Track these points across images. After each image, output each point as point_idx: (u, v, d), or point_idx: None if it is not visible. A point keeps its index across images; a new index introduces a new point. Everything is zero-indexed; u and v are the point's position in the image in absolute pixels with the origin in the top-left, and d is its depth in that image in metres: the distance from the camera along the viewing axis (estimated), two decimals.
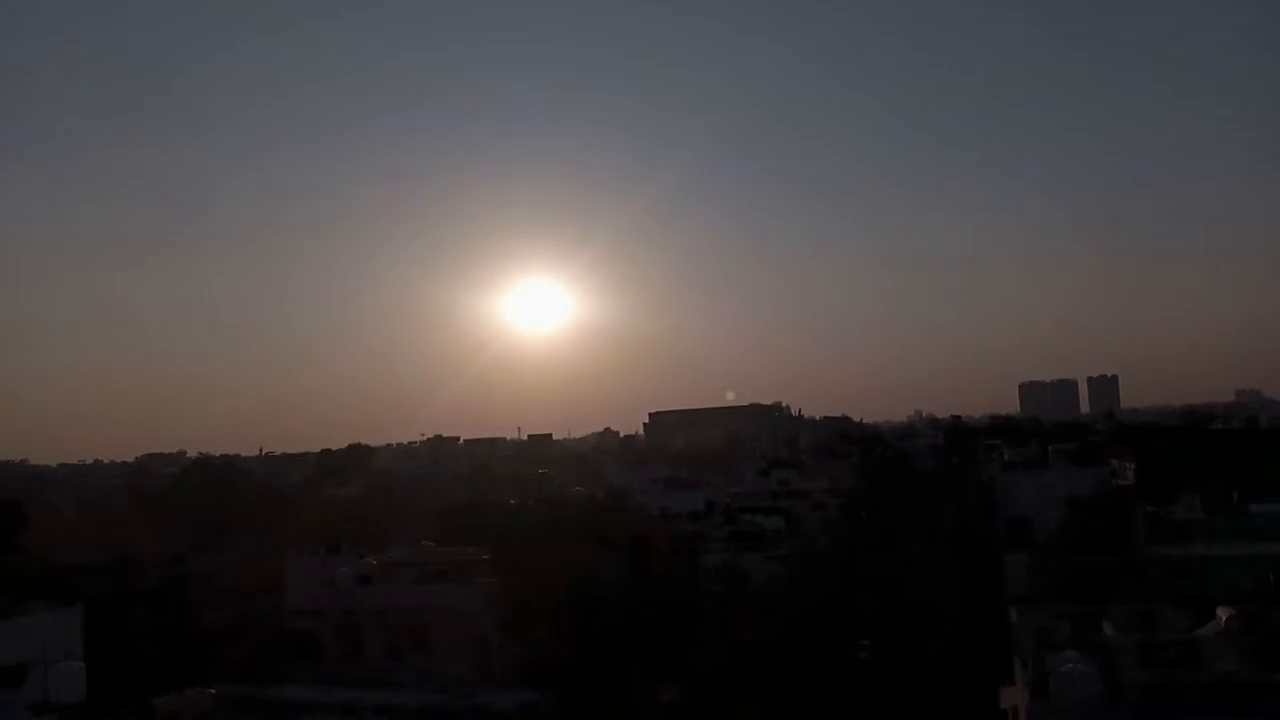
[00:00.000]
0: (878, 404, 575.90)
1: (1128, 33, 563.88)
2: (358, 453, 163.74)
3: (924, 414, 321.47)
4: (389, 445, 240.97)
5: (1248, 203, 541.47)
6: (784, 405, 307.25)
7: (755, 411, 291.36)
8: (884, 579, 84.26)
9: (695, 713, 49.64)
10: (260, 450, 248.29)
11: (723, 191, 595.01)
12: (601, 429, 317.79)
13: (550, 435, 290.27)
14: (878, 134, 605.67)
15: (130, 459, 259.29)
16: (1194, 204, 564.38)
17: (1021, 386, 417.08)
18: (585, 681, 43.34)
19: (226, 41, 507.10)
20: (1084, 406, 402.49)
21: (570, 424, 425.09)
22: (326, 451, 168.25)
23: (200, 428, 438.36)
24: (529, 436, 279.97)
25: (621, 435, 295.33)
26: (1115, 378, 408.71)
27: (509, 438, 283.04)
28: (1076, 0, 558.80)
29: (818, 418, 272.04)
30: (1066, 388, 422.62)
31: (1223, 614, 30.87)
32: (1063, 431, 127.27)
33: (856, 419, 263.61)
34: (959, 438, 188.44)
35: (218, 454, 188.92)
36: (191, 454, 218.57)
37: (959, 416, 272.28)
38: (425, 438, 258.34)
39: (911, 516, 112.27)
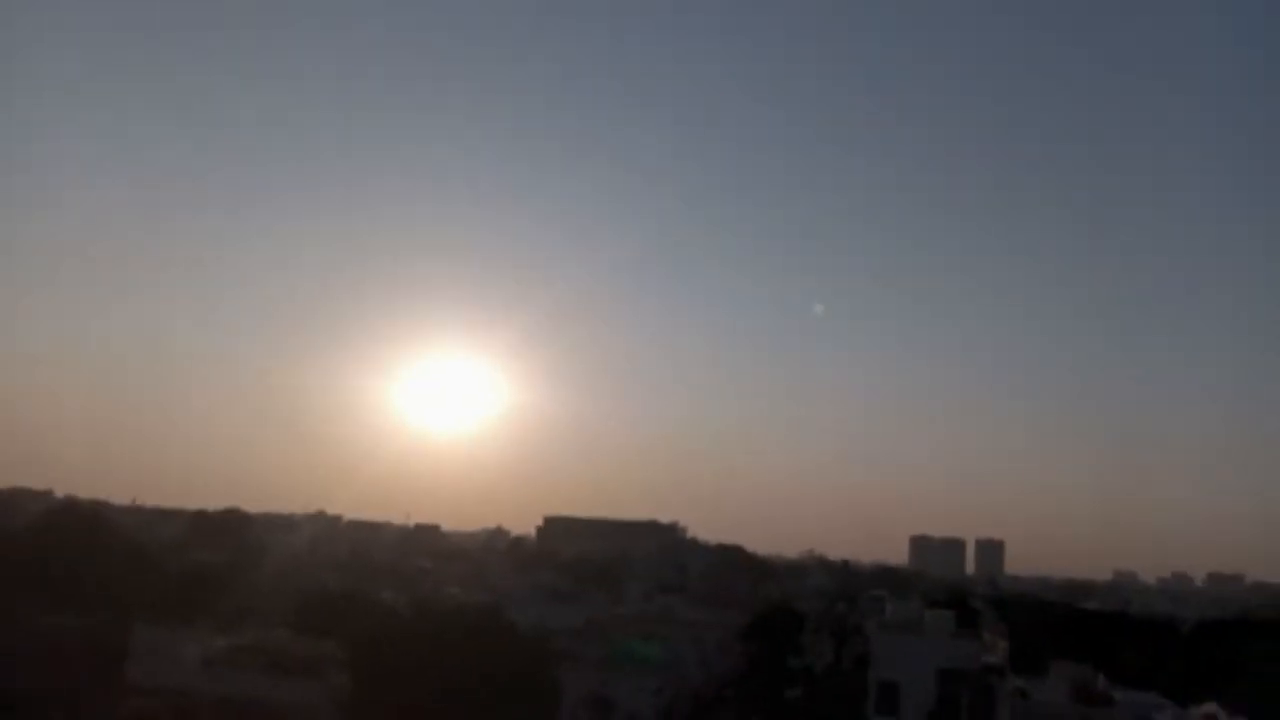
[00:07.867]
0: (773, 536, 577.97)
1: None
2: (234, 519, 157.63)
3: (816, 553, 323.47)
4: (267, 514, 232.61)
5: (1144, 391, 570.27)
6: (680, 526, 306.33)
7: (651, 528, 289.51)
8: None
9: None
10: (133, 500, 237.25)
11: (642, 291, 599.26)
12: (494, 525, 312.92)
13: (439, 526, 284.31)
14: (787, 273, 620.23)
15: None
16: (1088, 385, 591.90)
17: (913, 539, 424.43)
18: None
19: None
20: (969, 567, 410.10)
21: (461, 516, 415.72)
22: (201, 513, 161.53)
23: (70, 466, 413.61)
24: (416, 525, 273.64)
25: (513, 535, 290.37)
26: (1001, 543, 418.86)
27: (395, 522, 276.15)
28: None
29: (712, 543, 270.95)
30: (954, 546, 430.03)
31: None
32: (946, 591, 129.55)
33: (750, 550, 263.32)
34: (846, 585, 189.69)
35: (87, 498, 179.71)
36: (59, 494, 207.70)
37: (848, 562, 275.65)
38: (307, 512, 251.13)
39: (788, 660, 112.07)
